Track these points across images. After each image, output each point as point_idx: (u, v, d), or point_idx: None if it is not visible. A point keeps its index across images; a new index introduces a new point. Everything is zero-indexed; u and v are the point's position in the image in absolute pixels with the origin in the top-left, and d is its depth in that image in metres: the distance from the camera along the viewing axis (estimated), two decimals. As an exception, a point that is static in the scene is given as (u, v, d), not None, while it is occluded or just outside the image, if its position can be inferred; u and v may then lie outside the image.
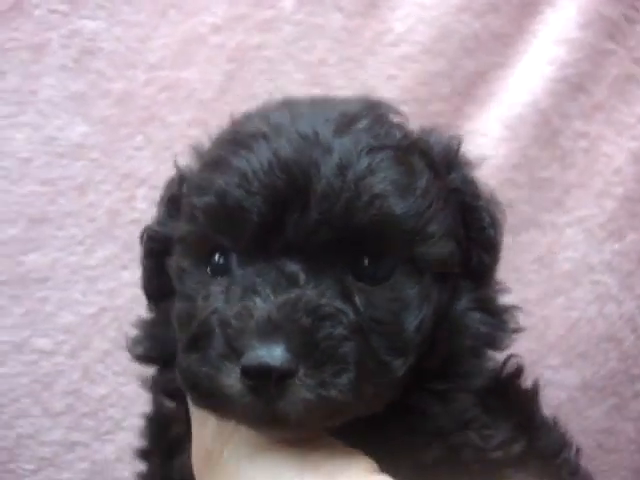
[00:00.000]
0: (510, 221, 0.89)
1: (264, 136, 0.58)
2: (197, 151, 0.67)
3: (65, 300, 0.89)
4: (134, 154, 0.89)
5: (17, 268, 0.89)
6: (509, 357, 0.68)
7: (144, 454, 0.71)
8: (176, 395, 0.65)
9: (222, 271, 0.58)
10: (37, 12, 0.88)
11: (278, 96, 0.67)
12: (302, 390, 0.51)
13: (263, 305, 0.53)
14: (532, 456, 0.63)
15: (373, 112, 0.62)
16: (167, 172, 0.71)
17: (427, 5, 0.89)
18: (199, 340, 0.55)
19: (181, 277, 0.61)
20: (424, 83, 0.89)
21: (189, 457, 0.63)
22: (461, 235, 0.62)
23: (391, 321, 0.57)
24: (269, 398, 0.51)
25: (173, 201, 0.66)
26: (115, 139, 0.89)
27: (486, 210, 0.64)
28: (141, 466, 0.72)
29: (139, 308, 0.70)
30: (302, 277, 0.55)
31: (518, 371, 0.69)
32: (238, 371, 0.52)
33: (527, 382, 0.71)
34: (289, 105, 0.63)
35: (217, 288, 0.58)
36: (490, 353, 0.65)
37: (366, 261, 0.57)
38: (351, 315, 0.55)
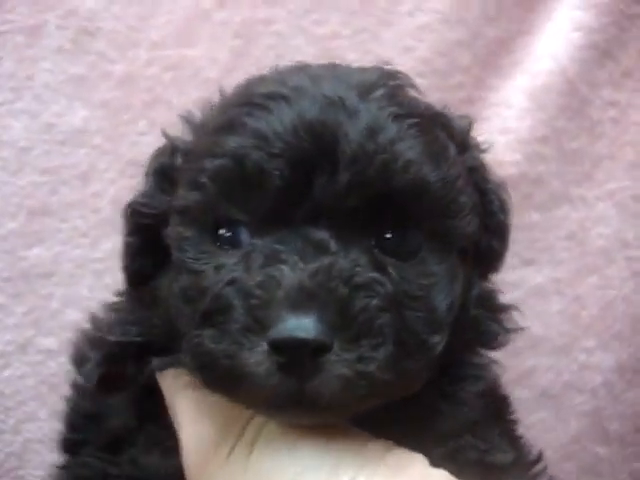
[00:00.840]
0: (538, 197, 0.88)
1: (284, 98, 0.54)
2: (187, 121, 0.63)
3: (71, 296, 0.86)
4: (138, 139, 0.86)
5: (19, 264, 0.86)
6: (490, 362, 0.64)
7: (71, 445, 0.66)
8: (118, 386, 0.62)
9: (232, 242, 0.54)
10: (31, -7, 0.85)
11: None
12: (338, 366, 0.47)
13: (291, 273, 0.49)
14: (517, 465, 0.61)
15: (392, 81, 0.59)
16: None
17: (444, -29, 0.87)
18: (214, 314, 0.51)
19: (183, 249, 0.56)
20: (443, 54, 0.87)
21: (146, 453, 0.59)
22: (482, 214, 0.60)
23: (423, 297, 0.54)
24: (301, 376, 0.47)
25: (163, 172, 0.61)
26: (118, 124, 0.86)
27: (496, 194, 0.62)
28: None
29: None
30: (333, 244, 0.51)
31: (497, 378, 0.66)
32: (265, 346, 0.47)
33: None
34: (305, 69, 0.60)
35: (230, 259, 0.53)
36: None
37: (393, 234, 0.54)
38: (388, 286, 0.52)
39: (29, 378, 0.86)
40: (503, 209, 0.62)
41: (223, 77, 0.85)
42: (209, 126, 0.59)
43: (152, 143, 0.84)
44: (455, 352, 0.58)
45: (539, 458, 0.64)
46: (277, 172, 0.52)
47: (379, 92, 0.56)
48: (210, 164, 0.54)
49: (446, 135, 0.59)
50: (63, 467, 0.66)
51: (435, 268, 0.55)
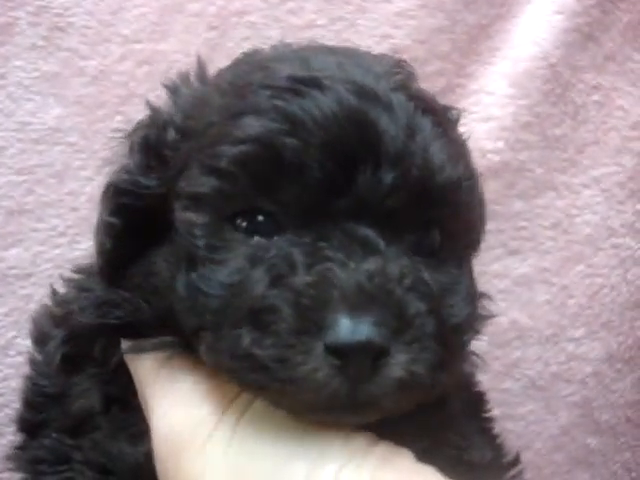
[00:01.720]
0: (522, 185, 0.87)
1: (315, 82, 0.51)
2: (176, 93, 0.59)
3: (50, 296, 0.86)
4: (114, 136, 0.84)
5: (-3, 265, 0.85)
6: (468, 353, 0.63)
7: (29, 425, 0.63)
8: (82, 367, 0.60)
9: (254, 232, 0.51)
10: (1, -10, 0.84)
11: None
12: (395, 369, 0.47)
13: (344, 274, 0.47)
14: (494, 465, 0.61)
15: (404, 70, 0.58)
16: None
17: (421, -44, 0.86)
18: (257, 313, 0.48)
19: (195, 235, 0.52)
20: (421, 41, 0.85)
21: (111, 438, 0.57)
22: None
23: (453, 296, 0.54)
24: (357, 379, 0.46)
25: (151, 148, 0.57)
26: (93, 120, 0.85)
27: None
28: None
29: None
30: (381, 243, 0.50)
31: (473, 373, 0.65)
32: (320, 349, 0.45)
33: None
34: (322, 51, 0.57)
35: (260, 253, 0.50)
36: None
37: (420, 234, 0.53)
38: (431, 287, 0.51)
39: (11, 380, 0.84)
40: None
41: (198, 70, 0.85)
42: (219, 105, 0.55)
43: (128, 140, 0.85)
44: None
45: (516, 460, 0.64)
46: (316, 163, 0.49)
47: (401, 82, 0.54)
48: (230, 149, 0.51)
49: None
50: (20, 447, 0.64)
51: (456, 266, 0.55)
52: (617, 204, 0.86)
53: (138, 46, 0.85)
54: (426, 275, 0.51)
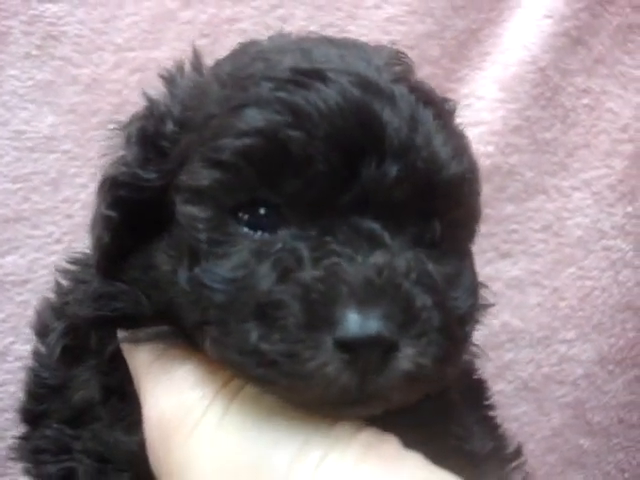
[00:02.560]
0: (513, 188, 0.87)
1: (318, 74, 0.50)
2: (170, 83, 0.58)
3: (47, 303, 0.86)
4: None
5: (-6, 272, 0.85)
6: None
7: (31, 416, 0.64)
8: (82, 358, 0.60)
9: (257, 226, 0.51)
10: (-6, -1, 0.85)
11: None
12: (403, 362, 0.47)
13: (352, 268, 0.47)
14: (495, 455, 0.60)
15: (402, 61, 0.57)
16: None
17: (410, -38, 0.86)
18: (264, 308, 0.48)
19: (197, 229, 0.52)
20: (411, 46, 0.85)
21: (109, 428, 0.57)
22: None
23: (453, 287, 0.53)
24: (365, 373, 0.46)
25: (149, 141, 0.55)
26: (87, 128, 0.86)
27: None
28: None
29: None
30: (387, 237, 0.49)
31: (472, 362, 0.64)
32: (329, 344, 0.45)
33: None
34: (321, 42, 0.56)
35: (265, 247, 0.50)
36: None
37: (423, 226, 0.52)
38: (436, 280, 0.51)
39: (10, 385, 0.85)
40: None
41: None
42: (219, 97, 0.54)
43: (122, 147, 0.85)
44: None
45: (518, 451, 0.63)
46: (320, 156, 0.48)
47: (402, 74, 0.54)
48: (233, 141, 0.50)
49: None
50: (23, 438, 0.64)
51: (458, 257, 0.55)
52: (607, 207, 0.86)
53: (131, 54, 0.85)
54: (430, 267, 0.51)
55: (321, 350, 0.46)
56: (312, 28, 0.84)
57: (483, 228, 0.87)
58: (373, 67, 0.52)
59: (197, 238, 0.51)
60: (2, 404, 0.86)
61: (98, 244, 0.57)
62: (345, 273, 0.47)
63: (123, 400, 0.58)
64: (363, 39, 0.85)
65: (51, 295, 0.66)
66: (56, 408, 0.62)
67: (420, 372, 0.47)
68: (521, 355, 0.87)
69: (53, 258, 0.86)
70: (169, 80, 0.59)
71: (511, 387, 0.87)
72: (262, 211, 0.51)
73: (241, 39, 0.83)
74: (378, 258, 0.48)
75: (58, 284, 0.65)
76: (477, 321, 0.57)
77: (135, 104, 0.84)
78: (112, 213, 0.56)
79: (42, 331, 0.65)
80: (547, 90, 0.86)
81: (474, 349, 0.62)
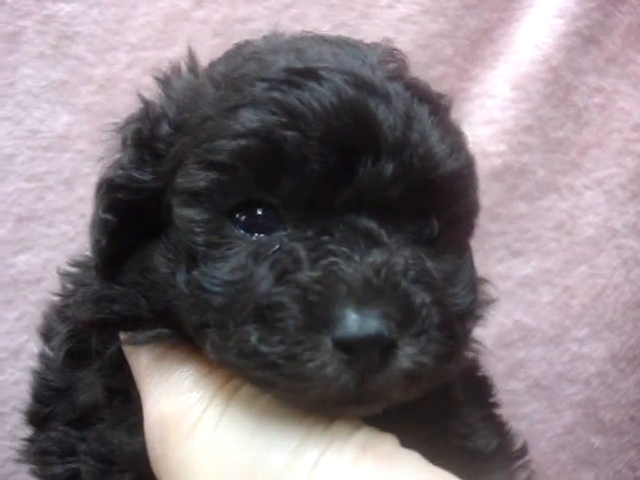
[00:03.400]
0: (525, 187, 0.87)
1: (312, 73, 0.50)
2: (165, 84, 0.58)
3: (61, 301, 0.86)
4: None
5: (8, 271, 0.86)
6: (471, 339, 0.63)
7: (37, 418, 0.64)
8: (86, 361, 0.60)
9: (254, 228, 0.51)
10: (9, -1, 0.85)
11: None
12: (403, 360, 0.46)
13: (350, 268, 0.47)
14: (499, 453, 0.60)
15: (397, 58, 0.57)
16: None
17: (423, -38, 0.86)
18: (263, 310, 0.47)
19: (194, 232, 0.51)
20: (424, 46, 0.86)
21: (112, 429, 0.57)
22: None
23: (452, 284, 0.54)
24: (365, 372, 0.46)
25: (144, 143, 0.55)
26: (101, 128, 0.84)
27: None
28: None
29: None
30: (384, 235, 0.49)
31: (475, 359, 0.64)
32: (329, 344, 0.45)
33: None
34: (315, 41, 0.56)
35: (262, 249, 0.50)
36: None
37: (420, 223, 0.53)
38: (435, 278, 0.51)
39: (23, 383, 0.82)
40: None
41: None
42: (214, 98, 0.53)
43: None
44: None
45: (524, 449, 0.63)
46: (316, 156, 0.48)
47: (396, 71, 0.54)
48: (229, 142, 0.50)
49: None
50: (29, 440, 0.64)
51: (456, 254, 0.55)
52: (619, 205, 0.86)
53: (145, 54, 0.85)
54: (429, 265, 0.51)
55: (320, 351, 0.46)
56: (325, 28, 0.85)
57: (495, 226, 0.88)
58: (367, 65, 0.52)
59: (194, 241, 0.52)
60: (15, 402, 0.85)
61: (96, 247, 0.57)
62: (343, 273, 0.47)
63: (126, 401, 0.59)
64: (376, 39, 0.86)
65: (56, 298, 0.66)
66: (61, 410, 0.62)
67: (420, 370, 0.47)
68: (533, 353, 0.87)
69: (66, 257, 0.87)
70: (164, 82, 0.59)
71: (523, 385, 0.87)
72: (259, 212, 0.51)
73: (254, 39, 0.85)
74: (376, 257, 0.48)
75: (63, 287, 0.66)
76: (478, 317, 0.57)
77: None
78: (109, 216, 0.56)
79: (47, 334, 0.66)
80: (559, 89, 0.86)
81: (477, 346, 0.61)
